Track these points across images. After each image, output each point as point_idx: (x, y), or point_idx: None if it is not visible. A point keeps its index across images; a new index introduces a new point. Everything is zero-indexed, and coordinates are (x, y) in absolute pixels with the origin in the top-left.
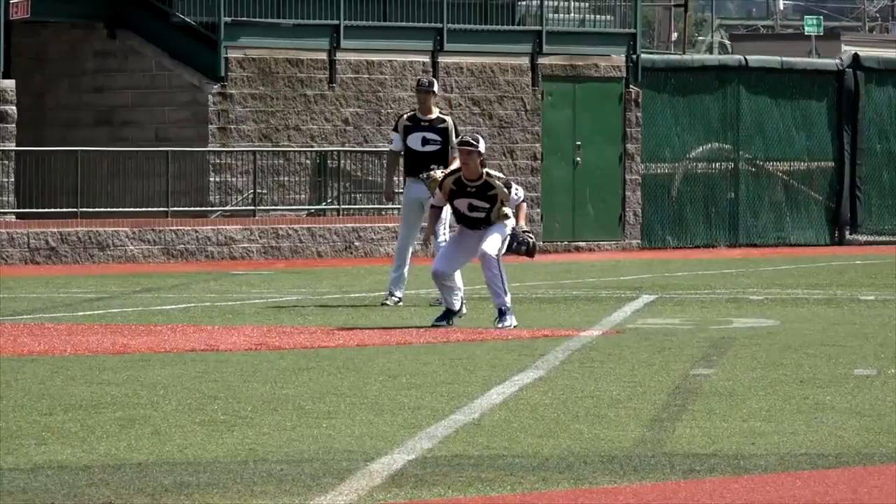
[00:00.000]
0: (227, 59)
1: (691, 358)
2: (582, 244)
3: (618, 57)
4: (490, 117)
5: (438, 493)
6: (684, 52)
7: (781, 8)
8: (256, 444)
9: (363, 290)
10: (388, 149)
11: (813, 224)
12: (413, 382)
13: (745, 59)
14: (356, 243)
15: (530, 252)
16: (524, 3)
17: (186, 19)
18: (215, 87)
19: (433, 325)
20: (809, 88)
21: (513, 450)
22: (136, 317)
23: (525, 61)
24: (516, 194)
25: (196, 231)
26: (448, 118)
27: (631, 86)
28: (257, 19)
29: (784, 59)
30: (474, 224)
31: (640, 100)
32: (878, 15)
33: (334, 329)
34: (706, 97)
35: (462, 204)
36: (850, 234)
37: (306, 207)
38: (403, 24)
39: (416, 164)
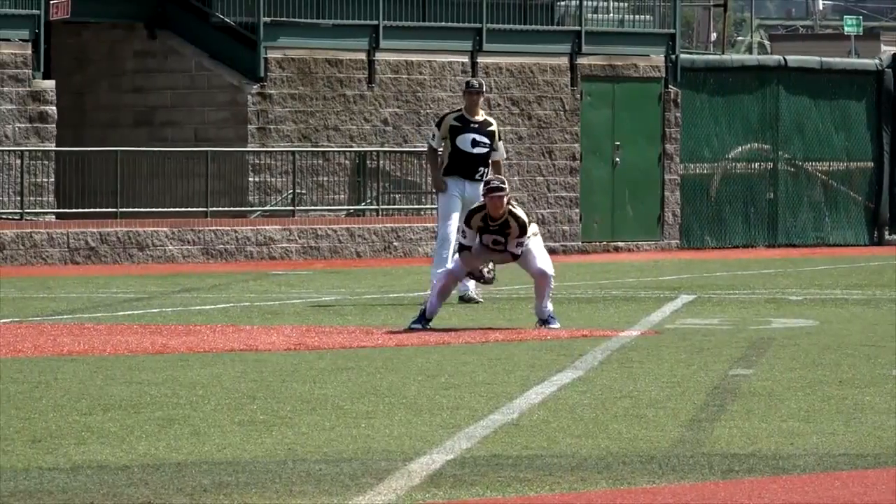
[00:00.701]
0: (266, 59)
1: (730, 358)
2: (621, 244)
3: (657, 57)
4: (529, 117)
5: (477, 493)
6: (723, 53)
7: (821, 8)
8: (295, 443)
9: (402, 290)
10: (427, 144)
11: (852, 224)
12: (452, 382)
13: (785, 60)
14: (395, 243)
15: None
16: (563, 3)
17: (226, 19)
18: (255, 87)
19: (409, 329)
20: (848, 88)
21: (551, 450)
22: (175, 317)
23: (564, 61)
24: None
25: (235, 231)
26: (494, 121)
27: (670, 86)
28: (297, 19)
29: (823, 59)
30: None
31: (679, 100)
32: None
33: (373, 329)
34: (745, 97)
35: (488, 239)
36: (890, 234)
37: (345, 208)
38: (442, 24)
39: (465, 165)
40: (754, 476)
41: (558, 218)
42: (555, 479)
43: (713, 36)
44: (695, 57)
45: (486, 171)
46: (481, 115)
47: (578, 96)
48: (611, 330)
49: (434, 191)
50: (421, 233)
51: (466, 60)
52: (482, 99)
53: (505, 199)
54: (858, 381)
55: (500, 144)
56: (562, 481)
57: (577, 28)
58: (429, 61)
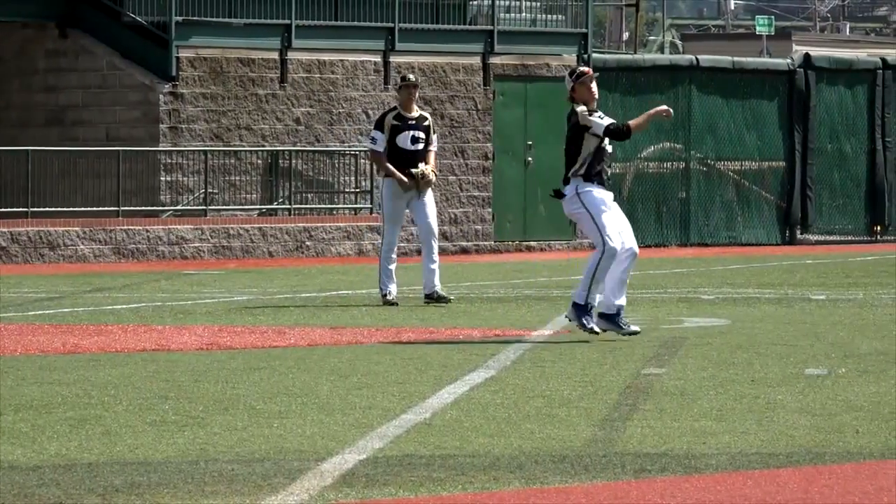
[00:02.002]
0: (178, 58)
1: (642, 357)
2: (533, 244)
3: (569, 56)
4: (442, 117)
5: (389, 493)
6: (635, 52)
7: (732, 8)
8: (207, 444)
9: (314, 289)
10: (370, 148)
11: (764, 223)
12: (364, 382)
13: (697, 59)
14: (307, 243)
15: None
16: (476, 2)
17: (137, 18)
18: (166, 86)
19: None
20: (761, 88)
21: (464, 449)
22: (86, 317)
23: (477, 61)
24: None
25: (147, 231)
26: (428, 115)
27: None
28: (208, 18)
29: (735, 58)
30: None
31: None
32: (828, 15)
33: (285, 329)
34: (657, 97)
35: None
36: (801, 233)
37: (257, 207)
38: (355, 23)
39: (406, 163)
40: (666, 475)
41: (471, 217)
42: (467, 478)
43: (625, 35)
44: (607, 56)
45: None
46: (416, 111)
47: (491, 96)
48: (523, 329)
49: (354, 191)
50: (333, 232)
51: (379, 60)
52: (417, 93)
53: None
54: (770, 380)
55: (434, 137)
56: (474, 481)
57: (490, 27)
58: (341, 60)
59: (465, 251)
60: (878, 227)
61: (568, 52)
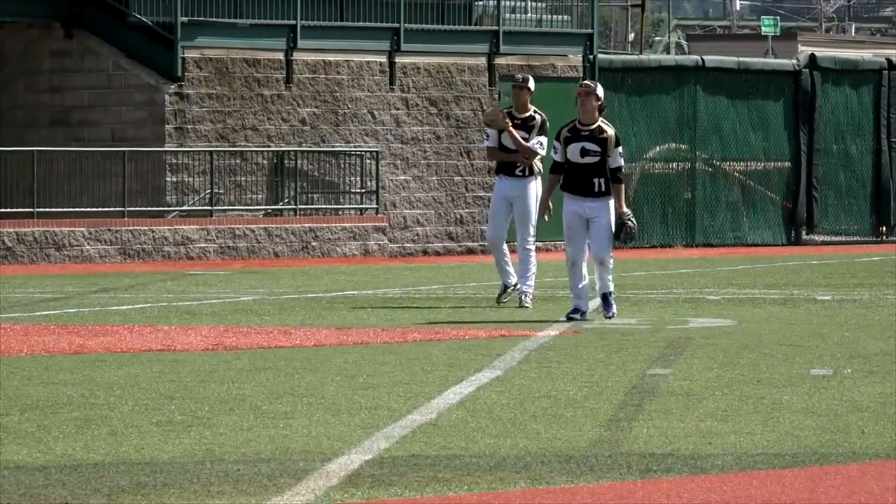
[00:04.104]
0: (183, 58)
1: (648, 358)
2: (540, 244)
3: (575, 57)
4: (447, 117)
5: (395, 493)
6: (641, 53)
7: (738, 8)
8: (213, 444)
9: (320, 289)
10: (486, 145)
11: (770, 224)
12: (370, 382)
13: (702, 60)
14: (313, 243)
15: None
16: (481, 3)
17: (143, 19)
18: (172, 87)
19: (608, 317)
20: (766, 89)
21: (469, 450)
22: (92, 317)
23: (482, 61)
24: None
25: (153, 231)
26: (538, 116)
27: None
28: (214, 19)
29: (741, 59)
30: (586, 183)
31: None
32: (834, 15)
33: (291, 329)
34: (663, 97)
35: (575, 149)
36: (807, 234)
37: (263, 207)
38: (360, 24)
39: (508, 161)
40: (672, 476)
41: (476, 218)
42: (473, 478)
43: (631, 36)
44: (613, 57)
45: (526, 167)
46: (529, 111)
47: (497, 96)
48: (529, 330)
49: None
50: (339, 233)
51: (384, 60)
52: (528, 94)
53: (594, 101)
54: (776, 381)
55: (544, 140)
56: (480, 481)
57: (495, 28)
58: (346, 61)
59: (470, 251)
60: (884, 228)
61: (573, 52)
